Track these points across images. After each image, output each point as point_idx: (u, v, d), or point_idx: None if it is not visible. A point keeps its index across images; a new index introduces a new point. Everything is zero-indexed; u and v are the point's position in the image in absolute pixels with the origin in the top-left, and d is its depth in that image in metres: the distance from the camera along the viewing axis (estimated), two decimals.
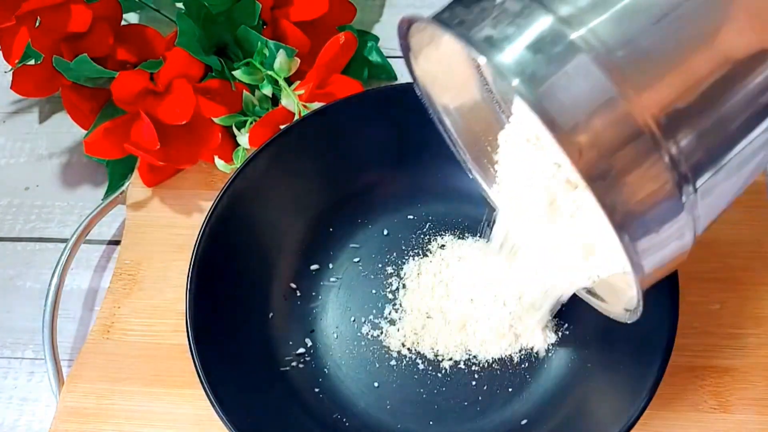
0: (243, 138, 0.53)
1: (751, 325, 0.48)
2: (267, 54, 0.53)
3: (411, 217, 0.52)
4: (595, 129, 0.28)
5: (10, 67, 0.54)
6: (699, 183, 0.30)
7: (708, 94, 0.30)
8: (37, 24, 0.53)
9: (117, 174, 0.57)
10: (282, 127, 0.51)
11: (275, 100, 0.55)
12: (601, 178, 0.28)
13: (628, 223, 0.29)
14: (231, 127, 0.54)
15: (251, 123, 0.53)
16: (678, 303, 0.42)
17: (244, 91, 0.54)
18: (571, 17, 0.29)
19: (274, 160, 0.49)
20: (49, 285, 0.51)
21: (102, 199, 0.56)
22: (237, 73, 0.54)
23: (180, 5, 0.56)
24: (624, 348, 0.44)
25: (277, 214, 0.50)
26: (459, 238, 0.51)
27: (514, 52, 0.29)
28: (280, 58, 0.53)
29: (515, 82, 0.28)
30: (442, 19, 0.31)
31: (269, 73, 0.53)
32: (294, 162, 0.50)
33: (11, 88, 0.55)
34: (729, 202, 0.34)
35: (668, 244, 0.31)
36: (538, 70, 0.28)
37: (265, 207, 0.49)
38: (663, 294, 0.42)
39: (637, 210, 0.29)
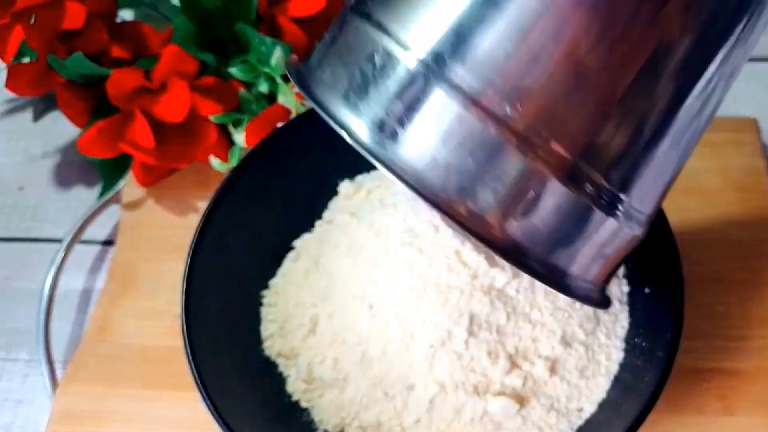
0: (239, 136, 0.53)
1: (757, 326, 0.47)
2: (264, 51, 0.53)
3: None
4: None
5: (4, 65, 0.54)
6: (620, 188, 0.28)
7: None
8: (32, 21, 0.52)
9: (111, 174, 0.56)
10: (279, 125, 0.50)
11: (272, 97, 0.54)
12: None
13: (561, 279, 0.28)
14: (227, 125, 0.54)
15: (247, 121, 0.53)
16: (683, 304, 0.42)
17: (241, 88, 0.54)
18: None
19: (271, 158, 0.48)
20: (44, 286, 0.51)
21: (97, 199, 0.56)
22: (233, 71, 0.53)
23: (176, 1, 0.55)
24: (628, 349, 0.43)
25: (274, 214, 0.49)
26: None
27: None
28: (277, 54, 0.52)
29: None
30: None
31: (266, 70, 0.53)
32: (291, 160, 0.49)
33: (5, 86, 0.54)
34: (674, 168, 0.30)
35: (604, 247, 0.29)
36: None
37: (262, 206, 0.48)
38: (668, 295, 0.42)
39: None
